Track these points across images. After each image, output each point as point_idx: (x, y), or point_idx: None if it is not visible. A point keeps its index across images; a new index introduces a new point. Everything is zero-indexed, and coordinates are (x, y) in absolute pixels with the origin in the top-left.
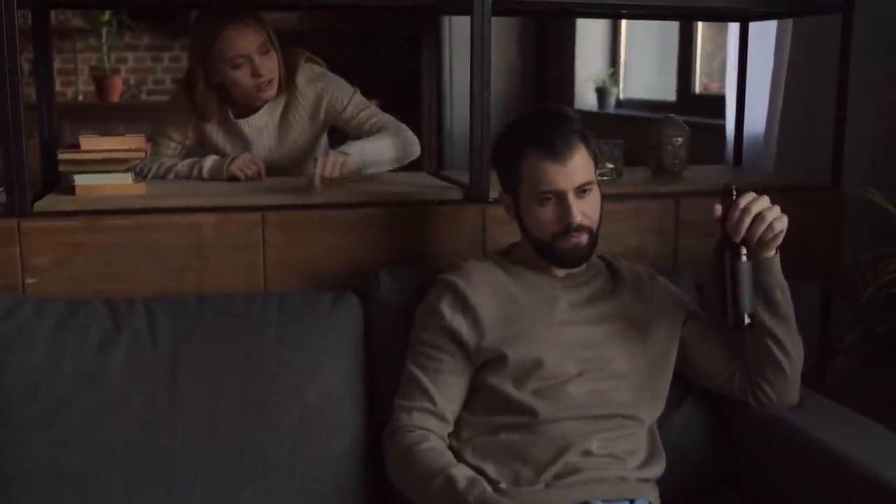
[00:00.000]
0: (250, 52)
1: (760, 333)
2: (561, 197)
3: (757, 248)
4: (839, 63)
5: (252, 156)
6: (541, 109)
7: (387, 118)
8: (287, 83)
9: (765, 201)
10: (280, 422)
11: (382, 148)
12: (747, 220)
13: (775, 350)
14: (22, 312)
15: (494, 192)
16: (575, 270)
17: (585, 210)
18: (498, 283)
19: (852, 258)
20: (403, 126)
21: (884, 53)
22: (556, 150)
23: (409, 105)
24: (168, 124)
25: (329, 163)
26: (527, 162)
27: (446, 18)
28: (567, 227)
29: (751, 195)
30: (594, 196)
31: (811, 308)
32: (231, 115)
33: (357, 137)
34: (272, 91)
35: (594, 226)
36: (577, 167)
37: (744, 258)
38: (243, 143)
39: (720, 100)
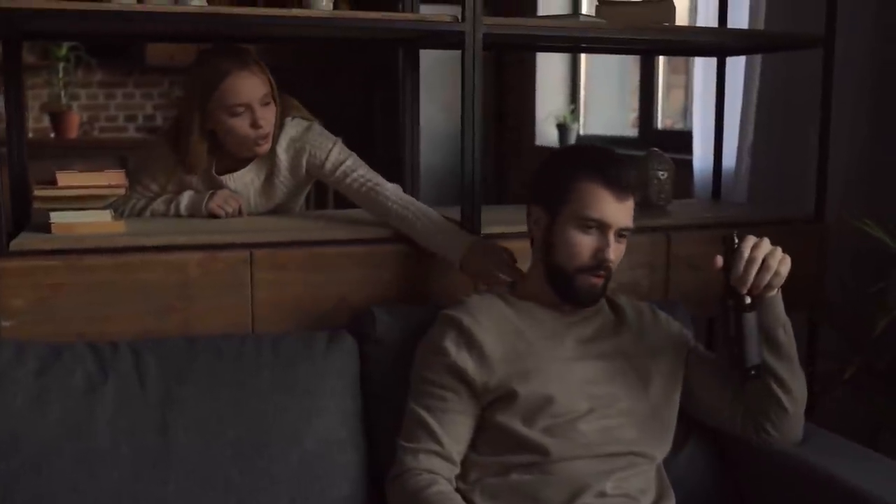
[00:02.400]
0: (252, 101)
1: (764, 374)
2: (604, 231)
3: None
4: (822, 97)
5: (232, 192)
6: (600, 147)
7: (368, 173)
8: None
9: (766, 246)
10: (279, 470)
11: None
12: (753, 271)
13: (778, 390)
14: (0, 357)
15: (486, 229)
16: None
17: (617, 254)
18: (503, 317)
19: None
20: (379, 179)
21: (856, 86)
22: (620, 184)
23: (365, 141)
24: (147, 175)
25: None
26: (586, 183)
27: (401, 52)
28: (598, 264)
29: (752, 241)
30: (624, 245)
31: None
32: (213, 171)
33: (341, 193)
34: (267, 146)
35: (612, 272)
36: (628, 210)
37: (749, 309)
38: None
39: (683, 135)
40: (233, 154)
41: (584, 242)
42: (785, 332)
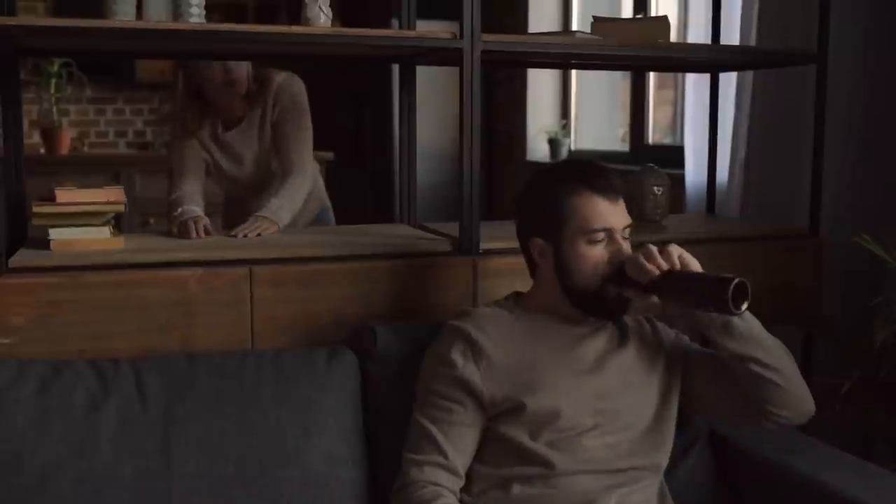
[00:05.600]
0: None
1: (734, 363)
2: (612, 235)
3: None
4: (815, 113)
5: (204, 222)
6: (574, 159)
7: (298, 160)
8: (260, 91)
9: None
10: (282, 488)
11: (299, 199)
12: (642, 258)
13: (758, 370)
14: (1, 375)
15: (484, 245)
16: (590, 319)
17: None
18: (511, 329)
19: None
20: (308, 165)
21: (848, 101)
22: (610, 188)
23: (354, 157)
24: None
25: (254, 228)
26: (577, 199)
27: (395, 69)
28: (619, 267)
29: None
30: (629, 244)
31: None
32: (220, 130)
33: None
34: (241, 88)
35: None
36: (623, 210)
37: (674, 272)
38: (232, 153)
39: (673, 150)
40: (223, 113)
41: (598, 254)
42: (740, 318)
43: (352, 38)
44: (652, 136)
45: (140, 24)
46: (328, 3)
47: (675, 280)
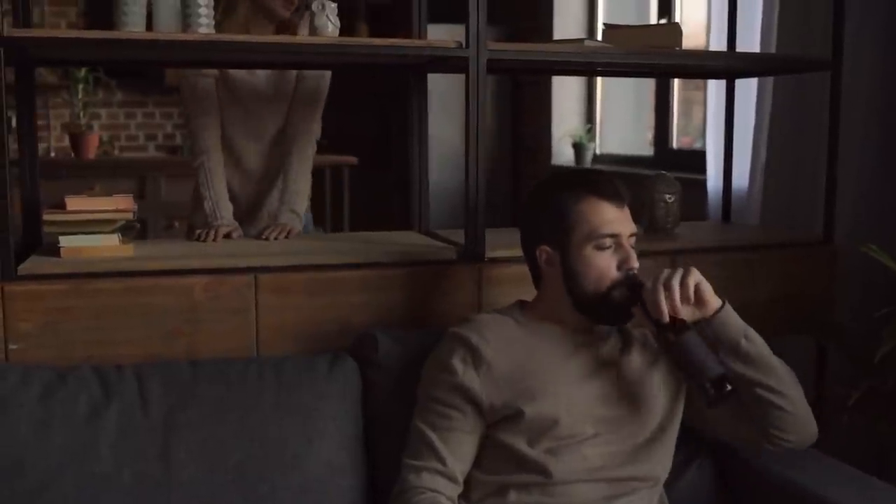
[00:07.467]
0: None
1: (744, 386)
2: (619, 241)
3: (694, 314)
4: (829, 120)
5: (226, 231)
6: (582, 168)
7: (307, 125)
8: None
9: (665, 273)
10: (282, 496)
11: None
12: (661, 296)
13: (768, 395)
14: (6, 381)
15: (491, 252)
16: (593, 328)
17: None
18: (513, 337)
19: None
20: (316, 131)
21: (866, 106)
22: (617, 194)
23: (381, 161)
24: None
25: (277, 231)
26: (585, 206)
27: (410, 76)
28: (626, 274)
29: (653, 277)
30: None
31: (805, 362)
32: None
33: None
34: (289, 6)
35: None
36: (629, 216)
37: (686, 332)
38: (257, 93)
39: (698, 155)
40: (267, 14)
41: (606, 260)
42: (748, 340)
43: (357, 48)
44: (683, 139)
45: (148, 35)
46: (336, 13)
47: (677, 348)
